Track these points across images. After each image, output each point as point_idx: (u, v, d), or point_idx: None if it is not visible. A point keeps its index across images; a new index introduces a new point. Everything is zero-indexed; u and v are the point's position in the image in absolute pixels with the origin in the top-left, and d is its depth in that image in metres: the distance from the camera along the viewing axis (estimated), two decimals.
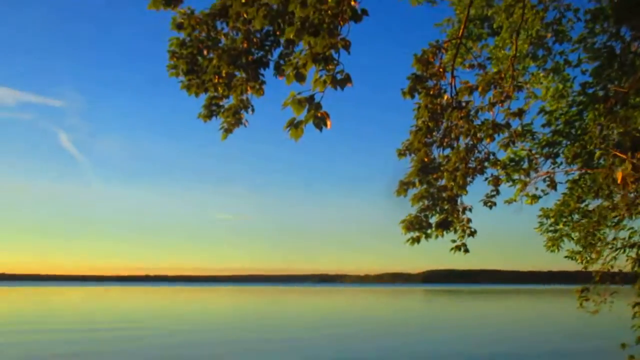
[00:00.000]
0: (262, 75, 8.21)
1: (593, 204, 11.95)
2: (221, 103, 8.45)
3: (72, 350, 20.55)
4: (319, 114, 5.41)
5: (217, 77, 8.07)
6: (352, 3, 5.99)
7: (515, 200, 11.85)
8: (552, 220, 12.57)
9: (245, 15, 7.55)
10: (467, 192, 9.47)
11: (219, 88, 8.21)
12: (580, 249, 12.49)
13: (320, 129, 5.43)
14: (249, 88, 8.21)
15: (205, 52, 8.03)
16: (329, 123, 5.44)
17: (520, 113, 9.70)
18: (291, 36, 5.99)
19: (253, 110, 8.44)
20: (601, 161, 10.48)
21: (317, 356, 19.53)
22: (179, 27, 7.94)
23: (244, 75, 8.15)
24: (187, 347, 21.86)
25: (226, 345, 22.46)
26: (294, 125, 5.44)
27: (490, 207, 10.03)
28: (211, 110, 8.45)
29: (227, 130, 8.34)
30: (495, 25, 11.17)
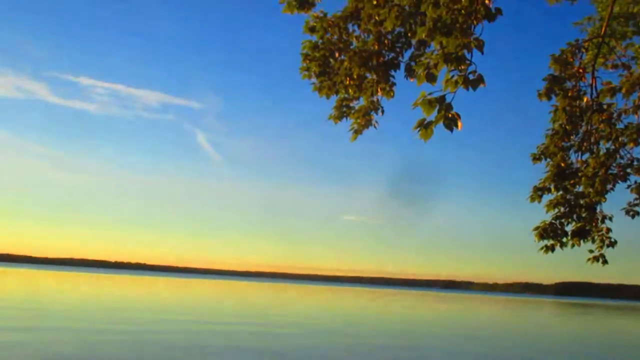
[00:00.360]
0: (393, 77, 8.21)
1: None
2: (351, 104, 8.55)
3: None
4: (450, 115, 5.32)
5: (348, 78, 8.17)
6: (486, 2, 5.84)
7: None
8: None
9: (376, 17, 7.60)
10: (606, 199, 8.95)
11: (350, 90, 8.30)
12: None
13: (451, 129, 5.34)
14: (379, 90, 8.24)
15: (337, 55, 8.16)
16: (459, 124, 5.34)
17: None
18: (423, 36, 5.94)
19: (383, 111, 8.47)
20: None
21: None
22: (312, 30, 8.12)
23: (374, 77, 8.19)
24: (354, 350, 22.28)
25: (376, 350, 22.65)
26: (424, 126, 5.39)
27: (633, 216, 9.38)
28: (342, 112, 8.57)
29: (357, 132, 8.41)
30: None
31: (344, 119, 8.56)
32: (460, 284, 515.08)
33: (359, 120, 8.43)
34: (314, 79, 8.32)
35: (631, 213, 9.41)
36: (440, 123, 5.34)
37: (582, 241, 8.90)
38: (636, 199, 9.46)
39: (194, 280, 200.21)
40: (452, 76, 5.52)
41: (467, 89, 5.46)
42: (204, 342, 21.00)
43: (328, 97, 8.36)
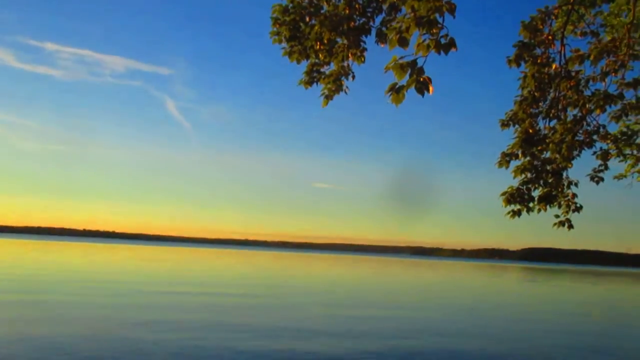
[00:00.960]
0: (364, 42, 8.16)
1: None
2: (322, 70, 8.49)
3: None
4: (422, 79, 5.32)
5: (318, 43, 8.09)
6: None
7: (625, 177, 11.24)
8: None
9: None
10: (572, 165, 9.10)
11: (320, 54, 8.23)
12: None
13: (423, 94, 5.34)
14: (350, 55, 8.19)
15: (307, 19, 8.07)
16: (431, 88, 5.34)
17: (635, 84, 9.17)
18: (394, 0, 5.90)
19: (354, 77, 8.43)
20: None
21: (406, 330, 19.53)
22: None
23: (345, 41, 8.13)
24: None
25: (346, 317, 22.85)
26: (395, 90, 5.38)
27: (598, 182, 9.57)
28: (312, 77, 8.51)
29: (328, 97, 8.38)
30: None
31: (315, 84, 8.51)
32: (429, 250, 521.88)
33: (329, 86, 8.39)
34: (284, 44, 8.22)
35: (596, 179, 9.61)
36: (412, 87, 5.34)
37: (548, 206, 9.06)
38: (601, 165, 9.65)
39: (165, 248, 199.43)
40: (424, 40, 5.51)
41: (439, 53, 5.46)
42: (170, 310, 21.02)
43: (298, 62, 8.28)
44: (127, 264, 58.40)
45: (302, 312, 21.97)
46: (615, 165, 10.93)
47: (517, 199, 8.90)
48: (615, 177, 11.47)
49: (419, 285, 47.65)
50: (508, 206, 8.98)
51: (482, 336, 17.97)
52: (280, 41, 8.22)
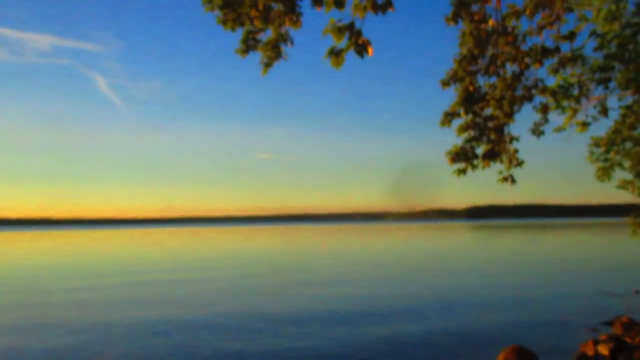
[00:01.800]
0: (299, 6, 8.03)
1: None
2: (259, 37, 8.33)
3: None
4: (360, 41, 5.29)
5: (253, 10, 7.92)
6: None
7: (564, 129, 11.53)
8: (603, 148, 12.21)
9: None
10: (514, 120, 9.28)
11: (256, 21, 8.06)
12: (633, 178, 12.18)
13: (362, 56, 5.31)
14: (286, 20, 8.05)
15: None
16: (370, 50, 5.32)
17: (570, 36, 9.35)
18: None
19: (292, 43, 8.31)
20: None
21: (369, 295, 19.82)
22: None
23: (280, 7, 7.99)
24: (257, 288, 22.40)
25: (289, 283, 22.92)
26: (335, 54, 5.34)
27: (539, 135, 9.81)
28: (249, 45, 8.34)
29: (267, 65, 8.24)
30: None
31: (252, 52, 8.35)
32: (377, 215, 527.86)
33: (268, 53, 8.24)
34: (217, 11, 8.02)
35: (537, 132, 9.84)
36: (351, 50, 5.30)
37: (492, 162, 9.24)
38: (541, 118, 9.88)
39: (102, 231, 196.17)
40: (361, 1, 5.46)
41: (377, 14, 5.42)
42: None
43: (233, 29, 8.09)
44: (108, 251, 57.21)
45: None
46: (555, 118, 11.24)
47: (462, 157, 9.05)
48: (555, 130, 11.77)
49: (379, 251, 48.23)
50: (454, 164, 9.12)
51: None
52: (212, 9, 8.01)
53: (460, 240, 64.49)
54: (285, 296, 18.90)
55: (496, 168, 9.48)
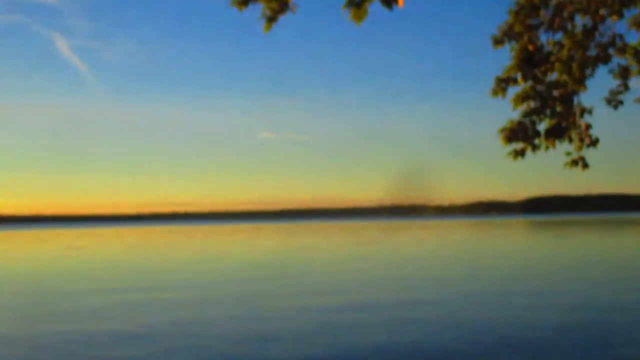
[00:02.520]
0: None
1: None
2: None
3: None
4: None
5: None
6: None
7: None
8: None
9: None
10: (586, 88, 9.24)
11: None
12: None
13: (390, 7, 5.32)
14: None
15: None
16: (400, 1, 5.32)
17: None
18: None
19: None
20: None
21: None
22: None
23: None
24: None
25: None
26: (355, 4, 5.35)
27: (616, 107, 9.75)
28: None
29: (271, 19, 8.25)
30: None
31: (251, 4, 8.37)
32: (408, 209, 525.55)
33: (271, 4, 8.25)
34: None
35: (614, 103, 9.78)
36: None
37: (557, 142, 9.22)
38: (619, 85, 9.82)
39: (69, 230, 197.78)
40: None
41: None
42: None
43: None
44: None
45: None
46: (638, 84, 11.16)
47: (520, 135, 9.03)
48: (636, 100, 11.72)
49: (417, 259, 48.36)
50: (508, 145, 9.11)
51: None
52: None
53: (524, 243, 64.18)
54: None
55: (563, 149, 9.47)
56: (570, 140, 9.42)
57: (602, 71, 9.50)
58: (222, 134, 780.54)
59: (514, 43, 9.33)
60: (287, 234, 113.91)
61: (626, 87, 9.82)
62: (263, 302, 21.62)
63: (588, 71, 9.25)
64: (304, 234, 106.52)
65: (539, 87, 9.23)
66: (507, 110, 9.38)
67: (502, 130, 9.16)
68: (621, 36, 9.49)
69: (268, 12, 8.29)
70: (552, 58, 9.19)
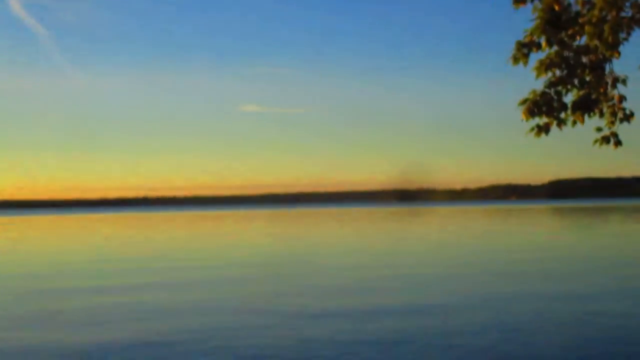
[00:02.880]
0: None
1: None
2: None
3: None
4: None
5: None
6: None
7: None
8: None
9: None
10: (619, 54, 9.22)
11: None
12: None
13: None
14: None
15: None
16: None
17: None
18: None
19: None
20: None
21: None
22: None
23: None
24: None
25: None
26: None
27: None
28: None
29: None
30: None
31: None
32: (416, 194, 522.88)
33: None
34: None
35: None
36: None
37: (586, 115, 9.21)
38: None
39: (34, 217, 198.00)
40: None
41: None
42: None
43: None
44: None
45: None
46: None
47: (544, 108, 9.02)
48: None
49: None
50: (531, 119, 9.10)
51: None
52: None
53: (552, 233, 64.13)
54: None
55: (592, 124, 9.47)
56: (601, 114, 9.41)
57: (638, 35, 9.48)
58: (198, 107, 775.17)
59: (537, 2, 9.30)
60: (282, 221, 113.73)
61: None
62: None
63: (622, 35, 9.21)
64: (309, 222, 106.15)
65: (566, 53, 9.21)
66: (529, 80, 9.37)
67: (524, 102, 9.14)
68: None
69: None
70: (581, 19, 9.16)
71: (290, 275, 29.21)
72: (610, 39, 9.01)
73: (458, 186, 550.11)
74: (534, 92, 9.17)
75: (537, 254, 37.75)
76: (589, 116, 9.26)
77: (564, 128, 9.25)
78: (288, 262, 36.45)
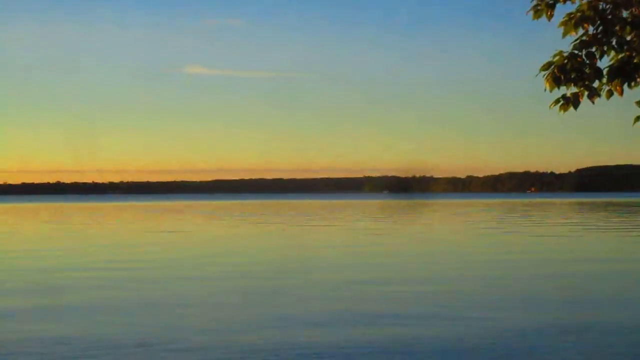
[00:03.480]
0: None
1: None
2: None
3: None
4: None
5: None
6: None
7: None
8: None
9: None
10: None
11: None
12: None
13: None
14: None
15: None
16: None
17: None
18: None
19: None
20: None
21: None
22: None
23: None
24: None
25: None
26: None
27: None
28: None
29: None
30: None
31: None
32: (405, 182, 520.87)
33: None
34: None
35: None
36: None
37: (626, 85, 9.16)
38: None
39: None
40: None
41: None
42: None
43: None
44: None
45: None
46: None
47: (572, 75, 8.97)
48: None
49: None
50: (556, 89, 9.05)
51: None
52: None
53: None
54: None
55: (633, 96, 9.44)
56: None
57: None
58: (129, 68, 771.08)
59: None
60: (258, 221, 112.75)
61: None
62: None
63: None
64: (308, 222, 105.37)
65: (602, 5, 9.18)
66: (556, 40, 9.32)
67: (547, 67, 9.08)
68: None
69: None
70: None
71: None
72: None
73: (462, 174, 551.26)
74: (560, 54, 9.12)
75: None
76: (630, 86, 9.23)
77: (598, 101, 9.21)
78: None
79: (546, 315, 21.67)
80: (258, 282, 31.57)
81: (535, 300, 24.36)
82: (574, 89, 9.11)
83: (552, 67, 9.04)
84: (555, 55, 9.10)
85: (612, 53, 9.19)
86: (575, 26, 9.09)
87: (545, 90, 9.12)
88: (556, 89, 9.11)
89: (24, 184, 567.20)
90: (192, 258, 44.00)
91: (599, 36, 9.14)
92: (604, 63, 9.20)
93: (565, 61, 9.02)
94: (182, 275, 34.48)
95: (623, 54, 9.17)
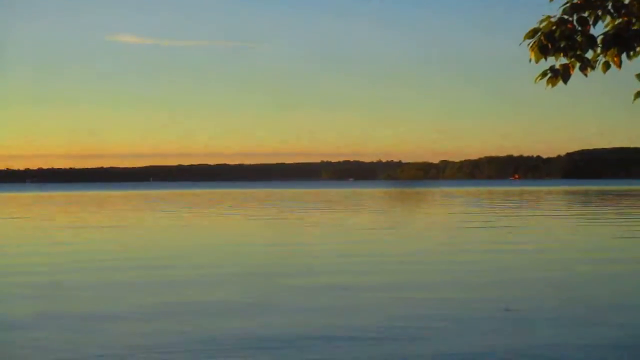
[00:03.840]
0: None
1: None
2: None
3: None
4: None
5: None
6: None
7: None
8: None
9: None
10: None
11: None
12: None
13: None
14: None
15: None
16: None
17: None
18: None
19: None
20: None
21: None
22: None
23: None
24: None
25: None
26: None
27: None
28: None
29: None
30: None
31: None
32: (370, 168, 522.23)
33: None
34: None
35: None
36: None
37: (624, 55, 9.18)
38: None
39: None
40: None
41: None
42: None
43: None
44: None
45: None
46: None
47: (562, 44, 8.97)
48: None
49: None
50: (543, 60, 9.05)
51: None
52: None
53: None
54: None
55: (632, 68, 9.47)
56: None
57: None
58: (47, 35, 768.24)
59: None
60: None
61: None
62: None
63: None
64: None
65: None
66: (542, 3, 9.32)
67: (532, 35, 9.08)
68: None
69: None
70: None
71: None
72: None
73: (434, 158, 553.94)
74: (547, 19, 9.11)
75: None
76: (628, 56, 9.25)
77: (591, 73, 9.22)
78: None
79: (547, 316, 21.93)
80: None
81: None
82: (563, 60, 9.13)
83: (539, 34, 9.04)
84: (542, 21, 9.10)
85: (608, 18, 9.21)
86: None
87: (530, 61, 9.12)
88: (543, 59, 9.12)
89: None
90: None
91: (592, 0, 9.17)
92: (599, 30, 9.22)
93: (554, 27, 9.03)
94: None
95: (620, 20, 9.19)
